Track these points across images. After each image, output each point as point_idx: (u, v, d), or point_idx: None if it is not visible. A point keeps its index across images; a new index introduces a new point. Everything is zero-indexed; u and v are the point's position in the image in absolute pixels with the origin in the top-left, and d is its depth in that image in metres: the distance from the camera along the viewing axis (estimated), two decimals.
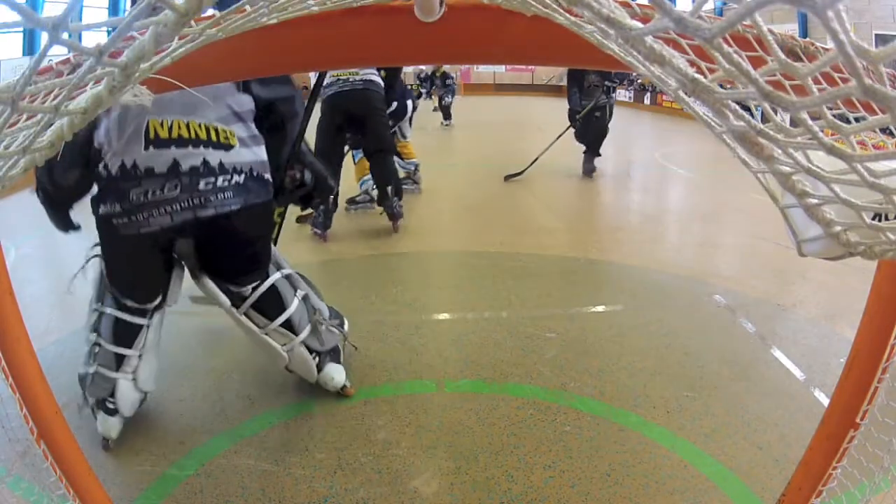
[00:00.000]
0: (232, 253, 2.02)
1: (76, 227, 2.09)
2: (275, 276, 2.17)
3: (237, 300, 2.13)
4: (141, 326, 2.07)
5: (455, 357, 2.65)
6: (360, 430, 2.13)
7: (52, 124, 0.43)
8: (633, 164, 8.04)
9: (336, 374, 2.34)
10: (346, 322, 2.52)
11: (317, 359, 2.30)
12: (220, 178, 1.74)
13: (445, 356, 2.67)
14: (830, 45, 0.25)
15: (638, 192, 6.39)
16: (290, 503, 1.78)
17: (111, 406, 2.08)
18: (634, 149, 10.16)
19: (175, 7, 0.34)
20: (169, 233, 1.83)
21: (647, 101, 17.52)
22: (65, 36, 0.31)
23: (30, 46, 11.98)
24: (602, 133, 6.90)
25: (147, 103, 0.62)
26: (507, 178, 6.59)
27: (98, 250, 2.07)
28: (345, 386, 2.35)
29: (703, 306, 3.25)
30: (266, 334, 2.17)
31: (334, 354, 2.38)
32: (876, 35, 11.46)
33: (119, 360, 2.05)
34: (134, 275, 2.02)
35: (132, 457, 2.01)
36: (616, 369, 2.52)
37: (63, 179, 1.85)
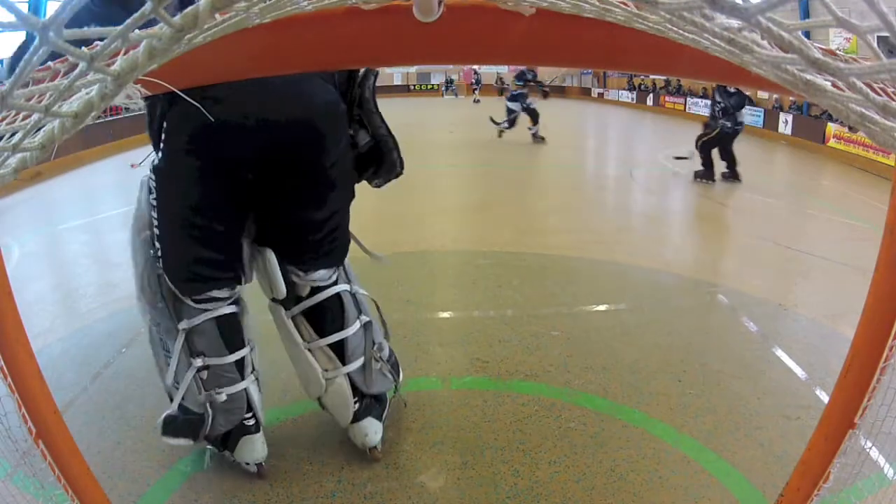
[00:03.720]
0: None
1: None
2: (342, 287, 1.87)
3: (290, 300, 1.84)
4: (237, 314, 1.79)
5: (460, 354, 2.67)
6: None
7: (42, 126, 0.43)
8: (636, 165, 8.05)
9: (372, 431, 1.92)
10: (401, 373, 2.10)
11: (357, 404, 1.91)
12: None
13: (451, 354, 2.69)
14: (833, 43, 0.27)
15: (640, 193, 6.40)
16: (297, 498, 1.80)
17: (250, 423, 1.82)
18: (637, 150, 10.17)
19: (171, 23, 0.35)
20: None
21: (650, 101, 17.49)
22: (62, 41, 0.31)
23: None
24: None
25: (141, 105, 0.62)
26: None
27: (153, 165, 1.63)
28: (375, 447, 1.94)
29: (705, 306, 3.27)
30: (309, 350, 1.86)
31: (378, 406, 1.97)
32: (878, 37, 11.44)
33: (240, 366, 1.77)
34: (208, 241, 1.65)
35: (139, 452, 2.02)
36: (620, 367, 2.54)
37: None
